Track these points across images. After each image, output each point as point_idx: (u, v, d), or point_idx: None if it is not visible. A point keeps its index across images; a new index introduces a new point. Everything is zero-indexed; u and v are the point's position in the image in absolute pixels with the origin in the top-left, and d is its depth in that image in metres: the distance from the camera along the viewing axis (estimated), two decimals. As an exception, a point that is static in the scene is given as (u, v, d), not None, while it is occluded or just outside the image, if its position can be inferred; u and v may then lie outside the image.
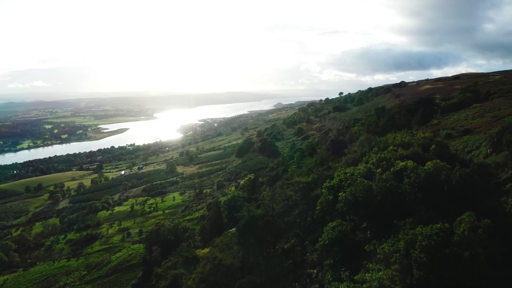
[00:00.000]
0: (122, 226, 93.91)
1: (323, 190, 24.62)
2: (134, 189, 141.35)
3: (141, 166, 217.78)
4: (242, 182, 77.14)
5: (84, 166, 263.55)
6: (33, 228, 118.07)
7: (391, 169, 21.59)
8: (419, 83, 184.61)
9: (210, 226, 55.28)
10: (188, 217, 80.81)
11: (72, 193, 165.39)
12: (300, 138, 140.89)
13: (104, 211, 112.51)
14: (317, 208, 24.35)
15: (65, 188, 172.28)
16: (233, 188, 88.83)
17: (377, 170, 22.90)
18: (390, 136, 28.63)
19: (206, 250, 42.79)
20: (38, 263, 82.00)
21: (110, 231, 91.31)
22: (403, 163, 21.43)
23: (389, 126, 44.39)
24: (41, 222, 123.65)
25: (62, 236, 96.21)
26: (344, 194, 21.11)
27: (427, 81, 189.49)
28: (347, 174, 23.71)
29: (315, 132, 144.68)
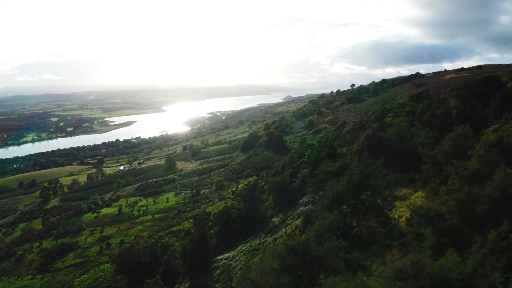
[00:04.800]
0: (104, 233, 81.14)
1: None
2: (128, 187, 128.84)
3: (141, 161, 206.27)
4: (240, 186, 63.00)
5: (85, 160, 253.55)
6: (15, 231, 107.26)
7: None
8: (439, 73, 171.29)
9: (192, 248, 41.44)
10: (175, 228, 67.14)
11: (65, 190, 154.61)
12: (311, 131, 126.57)
13: (89, 214, 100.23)
14: None
15: (59, 184, 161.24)
16: (230, 191, 74.72)
17: None
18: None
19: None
20: (1, 277, 70.07)
21: (89, 239, 78.55)
22: None
23: (450, 117, 29.54)
24: (25, 224, 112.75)
25: (37, 243, 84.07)
26: None
27: (445, 72, 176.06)
28: None
29: (327, 125, 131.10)
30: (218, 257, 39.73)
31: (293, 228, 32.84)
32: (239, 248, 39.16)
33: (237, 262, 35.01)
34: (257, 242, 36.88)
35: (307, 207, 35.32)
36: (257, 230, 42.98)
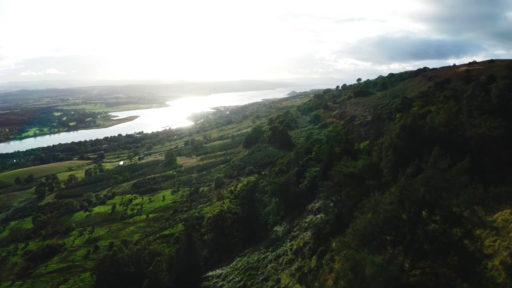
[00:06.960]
0: (93, 234, 75.09)
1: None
2: (125, 184, 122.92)
3: (142, 156, 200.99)
4: (239, 186, 56.20)
5: (86, 155, 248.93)
6: (5, 229, 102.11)
7: None
8: (449, 67, 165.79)
9: (179, 262, 34.85)
10: (167, 231, 60.72)
11: (62, 186, 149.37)
12: (317, 126, 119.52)
13: (81, 212, 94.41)
14: None
15: (56, 180, 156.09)
16: (229, 190, 68.00)
17: None
18: None
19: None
20: (-19, 283, 64.27)
21: (77, 241, 72.61)
22: None
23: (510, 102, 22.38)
24: (16, 222, 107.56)
25: (23, 244, 78.38)
26: None
27: (455, 65, 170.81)
28: None
29: (334, 119, 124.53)
30: (210, 273, 33.04)
31: (301, 244, 25.96)
32: (234, 262, 32.42)
33: (230, 283, 28.29)
34: (255, 258, 30.05)
35: (318, 216, 28.31)
36: (257, 240, 36.32)
